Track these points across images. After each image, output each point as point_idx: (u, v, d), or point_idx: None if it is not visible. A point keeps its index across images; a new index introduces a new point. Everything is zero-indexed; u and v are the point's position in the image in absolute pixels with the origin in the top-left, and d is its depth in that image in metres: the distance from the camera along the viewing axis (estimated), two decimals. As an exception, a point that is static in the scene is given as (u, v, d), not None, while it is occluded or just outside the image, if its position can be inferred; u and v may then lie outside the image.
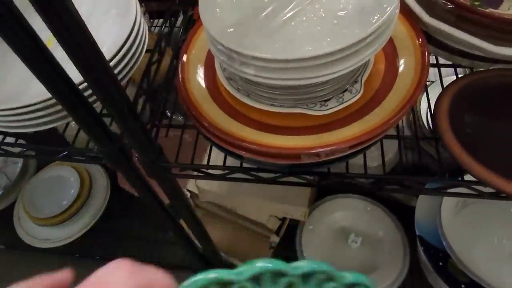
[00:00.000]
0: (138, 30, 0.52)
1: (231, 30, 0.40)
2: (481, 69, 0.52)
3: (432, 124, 0.47)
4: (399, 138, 0.51)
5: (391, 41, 0.49)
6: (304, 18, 0.40)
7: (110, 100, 0.38)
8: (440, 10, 0.46)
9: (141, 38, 0.53)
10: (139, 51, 0.53)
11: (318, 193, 0.98)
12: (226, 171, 0.48)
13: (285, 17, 0.41)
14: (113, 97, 0.37)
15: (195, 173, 0.50)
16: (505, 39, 0.44)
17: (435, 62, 0.57)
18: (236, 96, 0.45)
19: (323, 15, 0.40)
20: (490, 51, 0.43)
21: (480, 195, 0.45)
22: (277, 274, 0.19)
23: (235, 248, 0.97)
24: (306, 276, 0.20)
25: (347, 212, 0.97)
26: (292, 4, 0.42)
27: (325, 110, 0.43)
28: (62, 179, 1.11)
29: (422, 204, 0.87)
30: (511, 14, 0.43)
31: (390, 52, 0.49)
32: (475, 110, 0.48)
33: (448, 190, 0.47)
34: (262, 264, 0.19)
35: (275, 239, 0.93)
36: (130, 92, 0.56)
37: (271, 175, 0.48)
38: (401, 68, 0.46)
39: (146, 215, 1.11)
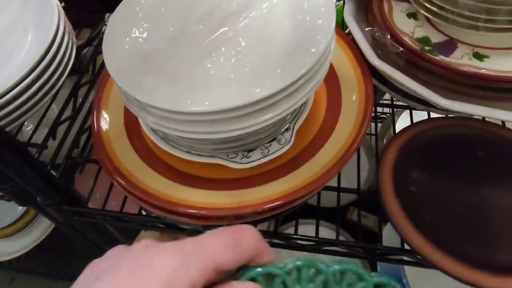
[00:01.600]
0: (59, 48, 0.46)
1: (133, 66, 0.34)
2: (437, 116, 0.47)
3: (376, 179, 0.42)
4: (338, 190, 0.45)
5: (336, 81, 0.44)
6: (221, 58, 0.35)
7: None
8: (390, 53, 0.41)
9: (61, 57, 0.47)
10: (58, 72, 0.47)
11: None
12: (141, 220, 0.43)
13: (200, 54, 0.35)
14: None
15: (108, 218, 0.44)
16: (458, 91, 0.38)
17: (390, 102, 0.51)
18: (151, 137, 0.39)
19: (241, 56, 0.34)
20: (440, 105, 0.38)
21: (422, 264, 0.40)
22: (315, 272, 0.22)
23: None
24: (339, 275, 0.22)
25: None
26: (213, 37, 0.36)
27: (245, 163, 0.37)
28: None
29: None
30: (464, 64, 0.37)
31: (334, 93, 0.43)
32: (424, 165, 0.43)
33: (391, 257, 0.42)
34: (302, 261, 0.22)
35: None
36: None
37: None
38: (341, 116, 0.41)
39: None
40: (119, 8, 0.38)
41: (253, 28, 0.36)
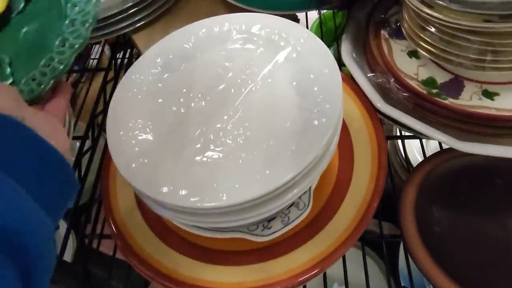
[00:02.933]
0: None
1: (143, 160, 0.33)
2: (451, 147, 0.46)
3: (397, 222, 0.42)
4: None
5: (345, 129, 0.43)
6: (229, 138, 0.34)
7: None
8: (396, 97, 0.40)
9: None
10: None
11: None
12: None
13: (213, 146, 0.34)
14: None
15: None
16: (471, 131, 0.38)
17: (398, 134, 0.51)
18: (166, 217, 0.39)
19: (249, 133, 0.33)
20: (453, 146, 0.37)
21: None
22: None
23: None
24: None
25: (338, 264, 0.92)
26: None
27: (267, 235, 0.36)
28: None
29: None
30: (474, 106, 0.37)
31: (345, 143, 0.43)
32: (445, 201, 0.42)
33: None
34: None
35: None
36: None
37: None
38: (355, 168, 0.40)
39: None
40: (118, 94, 0.37)
41: (257, 100, 0.35)
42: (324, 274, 0.42)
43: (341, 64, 0.54)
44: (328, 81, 0.33)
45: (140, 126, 0.35)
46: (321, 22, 0.70)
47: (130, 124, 0.35)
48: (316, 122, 0.30)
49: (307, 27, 0.74)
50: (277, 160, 0.30)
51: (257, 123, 0.34)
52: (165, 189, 0.30)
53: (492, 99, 0.37)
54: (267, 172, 0.30)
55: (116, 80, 0.63)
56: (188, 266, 0.37)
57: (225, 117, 0.35)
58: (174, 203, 0.30)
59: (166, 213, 0.32)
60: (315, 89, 0.33)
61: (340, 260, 0.39)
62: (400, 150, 0.73)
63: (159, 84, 0.38)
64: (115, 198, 0.43)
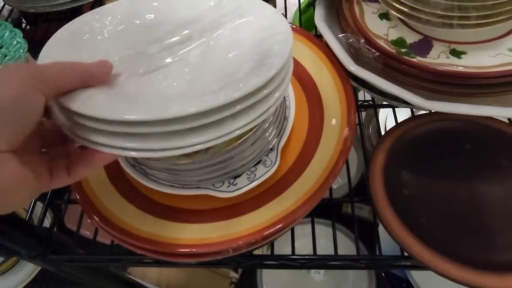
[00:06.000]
0: None
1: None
2: (421, 113, 0.46)
3: (366, 186, 0.41)
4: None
5: (316, 92, 0.43)
6: (174, 73, 0.32)
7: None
8: (366, 58, 0.40)
9: None
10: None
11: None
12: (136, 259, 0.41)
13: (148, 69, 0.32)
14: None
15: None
16: (438, 91, 0.38)
17: (371, 103, 0.50)
18: (130, 174, 0.38)
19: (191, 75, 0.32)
20: (422, 107, 0.37)
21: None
22: None
23: (194, 286, 0.92)
24: None
25: (308, 240, 0.92)
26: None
27: (232, 191, 0.36)
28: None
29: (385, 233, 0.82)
30: (441, 64, 0.36)
31: (315, 105, 0.42)
32: (414, 165, 0.42)
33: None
34: None
35: (235, 275, 0.90)
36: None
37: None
38: (325, 128, 0.40)
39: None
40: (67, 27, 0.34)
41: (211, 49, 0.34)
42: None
43: (317, 34, 0.54)
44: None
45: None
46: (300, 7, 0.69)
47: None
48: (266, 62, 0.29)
49: (285, 9, 0.73)
50: (219, 87, 0.28)
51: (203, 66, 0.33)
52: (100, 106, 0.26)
53: (459, 57, 0.37)
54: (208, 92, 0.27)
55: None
56: (152, 223, 0.36)
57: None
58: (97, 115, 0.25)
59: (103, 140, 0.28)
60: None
61: (322, 242, 0.39)
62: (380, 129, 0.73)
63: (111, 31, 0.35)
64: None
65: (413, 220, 0.38)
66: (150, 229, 0.36)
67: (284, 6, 0.73)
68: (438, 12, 0.35)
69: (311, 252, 0.41)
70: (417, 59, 0.37)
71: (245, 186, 0.36)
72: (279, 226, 0.34)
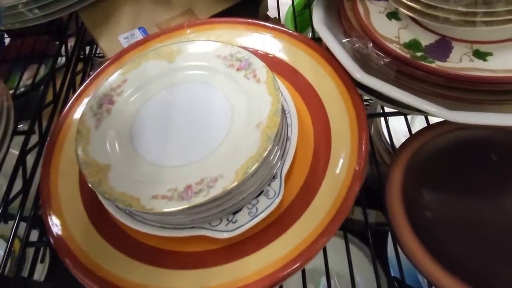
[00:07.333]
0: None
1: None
2: (438, 122, 0.41)
3: (383, 209, 0.37)
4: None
5: (321, 107, 0.38)
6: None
7: None
8: (376, 65, 0.35)
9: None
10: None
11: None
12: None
13: None
14: None
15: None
16: (462, 99, 0.33)
17: (381, 111, 0.45)
18: (113, 214, 0.33)
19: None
20: (444, 117, 0.32)
21: None
22: None
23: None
24: None
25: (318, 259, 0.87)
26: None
27: (232, 230, 0.31)
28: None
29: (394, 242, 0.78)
30: (466, 68, 0.32)
31: (320, 120, 0.37)
32: (436, 183, 0.37)
33: None
34: None
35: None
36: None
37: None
38: (333, 150, 0.35)
39: None
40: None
41: None
42: (303, 271, 0.36)
43: (315, 38, 0.49)
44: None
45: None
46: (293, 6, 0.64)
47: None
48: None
49: (278, 11, 0.69)
50: None
51: None
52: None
53: (485, 60, 0.32)
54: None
55: (67, 67, 0.56)
56: (139, 272, 0.31)
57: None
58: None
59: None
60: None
61: (332, 252, 0.35)
62: (384, 134, 0.68)
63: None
64: (55, 191, 0.37)
65: (440, 248, 0.34)
66: (138, 279, 0.31)
67: (276, 6, 0.68)
68: (459, 8, 0.30)
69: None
70: (437, 64, 0.32)
71: (247, 223, 0.31)
72: (290, 269, 0.29)
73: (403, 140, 0.56)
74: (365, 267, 0.84)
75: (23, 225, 0.40)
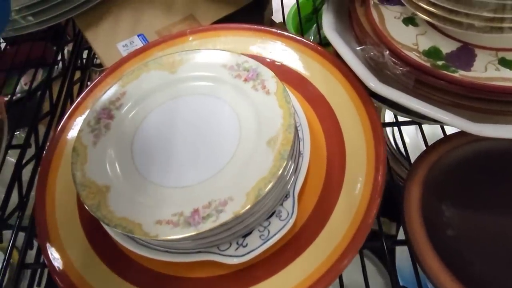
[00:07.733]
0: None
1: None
2: (456, 132, 0.39)
3: (402, 227, 0.34)
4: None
5: (333, 120, 0.36)
6: None
7: None
8: (392, 74, 0.33)
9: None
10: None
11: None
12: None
13: None
14: None
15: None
16: (485, 111, 0.31)
17: (394, 121, 0.43)
18: (114, 237, 0.31)
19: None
20: (469, 131, 0.30)
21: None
22: None
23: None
24: None
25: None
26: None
27: (243, 255, 0.28)
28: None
29: (403, 250, 0.75)
30: (492, 78, 0.29)
31: (333, 133, 0.35)
32: (457, 198, 0.35)
33: None
34: None
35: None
36: None
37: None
38: (348, 164, 0.33)
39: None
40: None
41: None
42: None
43: (322, 43, 0.47)
44: None
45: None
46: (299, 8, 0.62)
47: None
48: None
49: (283, 15, 0.67)
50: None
51: None
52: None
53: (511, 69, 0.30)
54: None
55: (64, 76, 0.54)
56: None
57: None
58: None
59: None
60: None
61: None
62: (390, 141, 0.66)
63: None
64: (52, 215, 0.34)
65: (464, 269, 0.31)
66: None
67: (281, 9, 0.66)
68: (485, 14, 0.28)
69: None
70: (460, 74, 0.30)
71: (258, 247, 0.29)
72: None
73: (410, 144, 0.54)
74: (373, 276, 0.82)
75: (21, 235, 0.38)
